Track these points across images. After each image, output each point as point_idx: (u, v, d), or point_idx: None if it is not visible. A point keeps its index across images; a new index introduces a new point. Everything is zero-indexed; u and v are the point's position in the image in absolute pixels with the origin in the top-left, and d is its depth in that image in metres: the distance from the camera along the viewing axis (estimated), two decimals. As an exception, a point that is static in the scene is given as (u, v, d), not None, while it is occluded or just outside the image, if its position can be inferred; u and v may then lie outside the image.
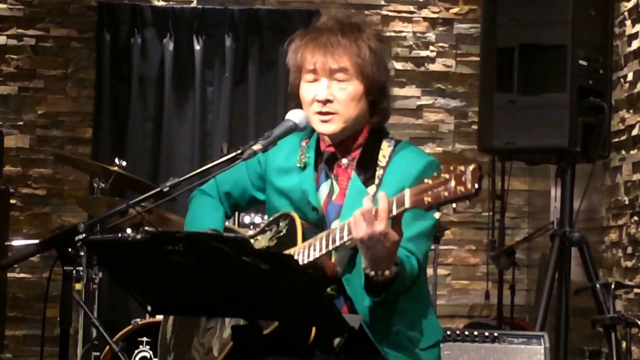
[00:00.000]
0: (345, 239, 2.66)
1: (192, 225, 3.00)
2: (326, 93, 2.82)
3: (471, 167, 2.42)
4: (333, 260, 2.78)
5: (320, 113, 2.83)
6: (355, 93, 2.83)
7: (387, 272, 2.62)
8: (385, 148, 2.89)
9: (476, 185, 2.41)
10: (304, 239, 2.77)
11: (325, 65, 2.82)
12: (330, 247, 2.70)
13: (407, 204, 2.52)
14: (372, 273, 2.62)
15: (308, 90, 2.86)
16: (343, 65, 2.82)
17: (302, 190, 2.88)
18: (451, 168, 2.47)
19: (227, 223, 3.06)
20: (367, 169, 2.86)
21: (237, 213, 4.96)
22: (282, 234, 2.84)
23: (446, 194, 2.45)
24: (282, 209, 2.90)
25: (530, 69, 4.47)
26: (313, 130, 2.94)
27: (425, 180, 2.50)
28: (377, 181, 2.83)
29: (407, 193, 2.52)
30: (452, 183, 2.44)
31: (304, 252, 2.73)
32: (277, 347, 2.71)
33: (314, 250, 2.72)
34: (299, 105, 2.89)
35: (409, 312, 2.81)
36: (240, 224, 5.00)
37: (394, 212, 2.55)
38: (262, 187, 3.00)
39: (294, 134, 2.86)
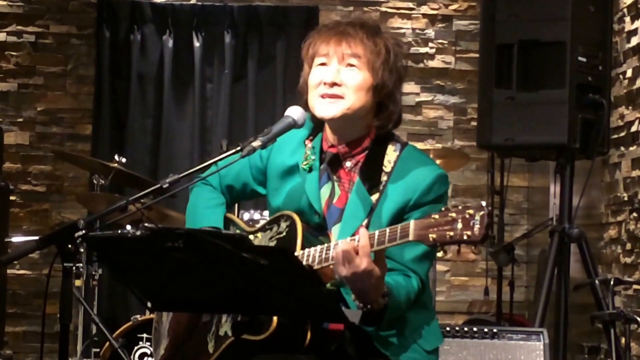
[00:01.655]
0: None
1: (193, 218, 2.99)
2: (334, 76, 2.78)
3: (480, 213, 2.39)
4: (331, 266, 2.77)
5: (325, 95, 2.78)
6: (363, 82, 2.78)
7: (375, 305, 2.62)
8: (391, 153, 2.84)
9: (483, 232, 2.38)
10: (304, 243, 2.75)
11: (338, 50, 2.78)
12: (329, 263, 2.67)
13: (410, 237, 2.49)
14: (361, 305, 2.63)
15: (316, 74, 2.81)
16: (356, 52, 2.78)
17: (306, 194, 2.85)
18: (460, 207, 2.43)
19: (228, 214, 3.05)
20: (371, 175, 2.82)
21: (236, 209, 4.97)
22: (282, 235, 2.82)
23: (451, 234, 2.41)
24: (283, 208, 2.87)
25: (530, 66, 4.48)
26: (317, 129, 2.92)
27: (433, 216, 2.46)
28: (381, 188, 2.79)
29: (412, 226, 2.49)
30: (459, 225, 2.41)
31: (302, 262, 2.71)
32: (272, 350, 2.71)
33: (313, 261, 2.70)
34: (307, 101, 2.86)
35: (413, 319, 2.80)
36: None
37: (397, 242, 2.53)
38: (263, 181, 2.98)
39: (297, 130, 2.84)
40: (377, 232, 2.58)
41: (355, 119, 2.82)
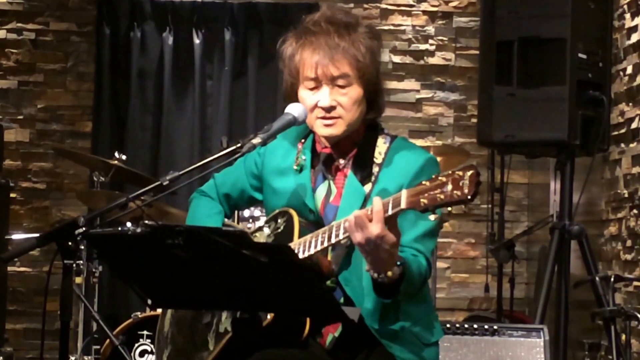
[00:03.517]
0: (341, 237, 2.67)
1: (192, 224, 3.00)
2: (329, 100, 2.81)
3: (469, 172, 2.42)
4: (329, 258, 2.79)
5: (324, 118, 2.83)
6: (357, 97, 2.83)
7: (389, 273, 2.63)
8: (381, 145, 2.89)
9: (473, 189, 2.41)
10: (301, 236, 2.78)
11: (327, 73, 2.80)
12: (326, 244, 2.70)
13: (402, 205, 2.53)
14: (375, 275, 2.64)
15: (309, 97, 2.85)
16: (344, 71, 2.81)
17: (298, 193, 2.88)
18: (449, 171, 2.47)
19: (226, 221, 3.07)
20: (363, 167, 2.86)
21: (236, 208, 4.97)
22: (279, 230, 2.85)
23: (442, 196, 2.45)
24: (280, 208, 2.90)
25: (530, 62, 4.48)
26: (309, 131, 2.95)
27: (423, 182, 2.50)
28: (373, 179, 2.84)
29: (404, 194, 2.53)
30: (449, 187, 2.44)
31: (300, 248, 2.74)
32: (272, 340, 2.72)
33: (310, 246, 2.73)
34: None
35: (413, 312, 2.82)
36: (240, 218, 5.00)
37: (390, 212, 2.56)
38: (259, 187, 3.02)
39: (290, 133, 2.89)
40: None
41: (354, 126, 2.87)
